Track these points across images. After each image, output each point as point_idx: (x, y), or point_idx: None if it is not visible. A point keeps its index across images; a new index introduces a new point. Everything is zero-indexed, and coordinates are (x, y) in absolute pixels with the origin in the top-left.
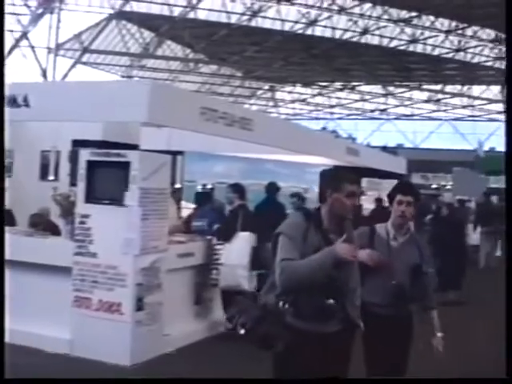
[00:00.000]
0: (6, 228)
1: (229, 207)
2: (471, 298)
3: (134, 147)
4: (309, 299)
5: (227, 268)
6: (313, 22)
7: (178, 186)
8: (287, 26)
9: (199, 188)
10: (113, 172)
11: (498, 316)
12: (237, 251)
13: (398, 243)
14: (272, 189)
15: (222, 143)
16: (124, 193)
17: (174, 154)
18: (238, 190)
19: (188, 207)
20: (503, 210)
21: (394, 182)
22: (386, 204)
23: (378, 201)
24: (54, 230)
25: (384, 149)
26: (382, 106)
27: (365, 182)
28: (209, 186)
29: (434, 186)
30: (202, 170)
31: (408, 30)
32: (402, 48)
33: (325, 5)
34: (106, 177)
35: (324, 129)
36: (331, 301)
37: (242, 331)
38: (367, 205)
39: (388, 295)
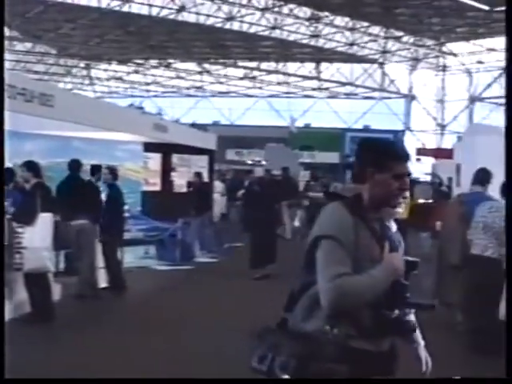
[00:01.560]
0: None
1: (27, 186)
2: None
3: None
4: (370, 315)
5: (30, 251)
6: (128, 0)
7: None
8: (104, 3)
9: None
10: None
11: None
12: (39, 233)
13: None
14: (74, 166)
15: (28, 120)
16: None
17: None
18: (31, 167)
19: None
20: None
21: (204, 157)
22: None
23: (198, 175)
24: None
25: (193, 125)
26: (198, 84)
27: (175, 158)
28: (9, 165)
29: (248, 162)
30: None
31: (225, 8)
32: (218, 25)
33: None
34: None
35: (131, 105)
36: (396, 312)
37: (285, 376)
38: (180, 180)
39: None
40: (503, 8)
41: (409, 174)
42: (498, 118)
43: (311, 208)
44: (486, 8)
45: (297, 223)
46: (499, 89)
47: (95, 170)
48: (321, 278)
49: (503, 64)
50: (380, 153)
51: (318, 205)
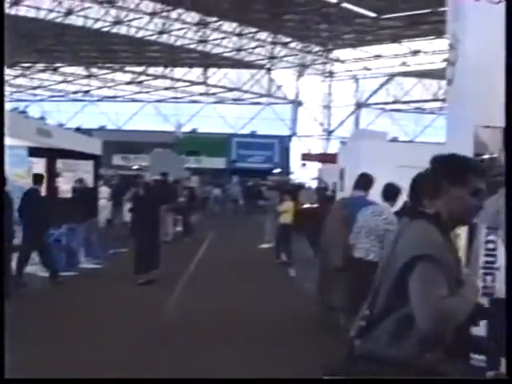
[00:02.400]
0: None
1: None
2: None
3: None
4: (458, 336)
5: None
6: (16, 3)
7: None
8: None
9: None
10: None
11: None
12: None
13: None
14: None
15: None
16: None
17: None
18: None
19: None
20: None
21: (89, 162)
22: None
23: (80, 181)
24: None
25: (78, 130)
26: (85, 88)
27: (60, 163)
28: None
29: (135, 167)
30: None
31: (113, 12)
32: (106, 29)
33: None
34: None
35: (15, 109)
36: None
37: None
38: (65, 186)
39: None
40: (391, 15)
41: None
42: (384, 124)
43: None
44: (373, 15)
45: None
46: (385, 95)
47: None
48: (420, 301)
49: (389, 70)
50: (457, 166)
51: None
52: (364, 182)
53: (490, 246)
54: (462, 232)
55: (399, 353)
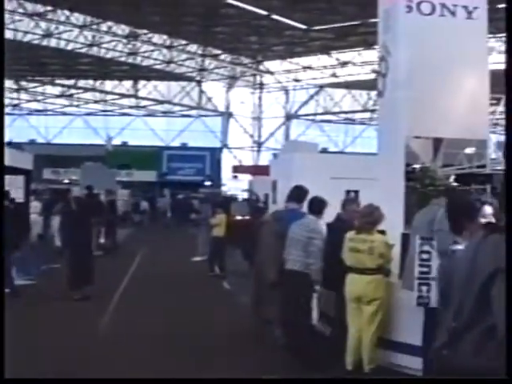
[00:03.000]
0: None
1: None
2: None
3: None
4: None
5: None
6: None
7: None
8: None
9: None
10: None
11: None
12: None
13: None
14: None
15: None
16: None
17: None
18: None
19: None
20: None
21: (21, 177)
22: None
23: (11, 201)
24: None
25: (9, 144)
26: (15, 101)
27: None
28: None
29: (65, 181)
30: None
31: (42, 25)
32: (35, 42)
33: None
34: None
35: None
36: None
37: None
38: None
39: None
40: (320, 27)
41: None
42: (314, 135)
43: None
44: (303, 27)
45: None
46: (315, 106)
47: None
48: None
49: (319, 81)
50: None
51: None
52: (297, 194)
53: (424, 256)
54: (397, 242)
55: (486, 363)
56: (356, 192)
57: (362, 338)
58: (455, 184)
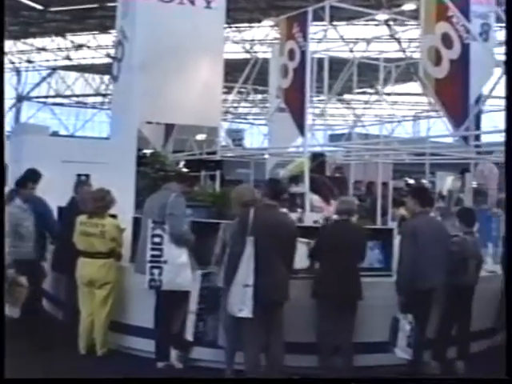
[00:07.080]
0: None
1: None
2: None
3: None
4: None
5: None
6: None
7: None
8: None
9: None
10: None
11: None
12: None
13: None
14: None
15: None
16: None
17: None
18: None
19: None
20: None
21: None
22: None
23: None
24: None
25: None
26: None
27: None
28: None
29: None
30: None
31: None
32: None
33: None
34: None
35: None
36: None
37: None
38: None
39: None
40: (58, 8)
41: None
42: (44, 118)
43: None
44: (40, 7)
45: None
46: (47, 88)
47: None
48: None
49: (52, 64)
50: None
51: None
52: (30, 177)
53: (156, 239)
54: (128, 225)
55: None
56: (87, 176)
57: (95, 321)
58: (185, 170)
